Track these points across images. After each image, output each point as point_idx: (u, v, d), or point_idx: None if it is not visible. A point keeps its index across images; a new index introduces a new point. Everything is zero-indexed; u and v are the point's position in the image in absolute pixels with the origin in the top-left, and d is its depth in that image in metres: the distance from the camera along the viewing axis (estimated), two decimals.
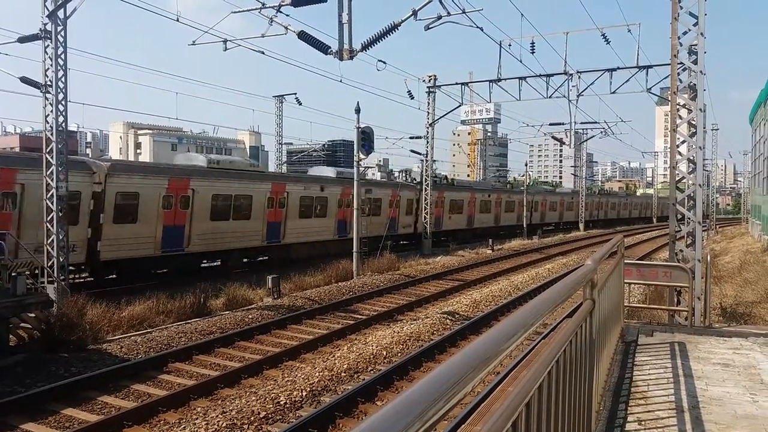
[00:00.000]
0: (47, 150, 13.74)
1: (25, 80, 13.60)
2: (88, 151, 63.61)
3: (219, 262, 23.55)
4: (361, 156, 22.30)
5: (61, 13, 13.41)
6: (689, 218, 9.76)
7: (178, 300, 14.86)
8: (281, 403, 8.55)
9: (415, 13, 16.95)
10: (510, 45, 25.22)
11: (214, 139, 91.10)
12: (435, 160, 33.92)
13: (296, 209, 25.43)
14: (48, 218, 13.77)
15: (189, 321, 13.97)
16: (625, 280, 7.67)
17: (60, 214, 13.70)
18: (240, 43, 18.37)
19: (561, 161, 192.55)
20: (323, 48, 15.82)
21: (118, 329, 12.88)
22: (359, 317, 14.85)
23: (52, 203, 13.69)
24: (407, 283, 20.37)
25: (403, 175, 38.73)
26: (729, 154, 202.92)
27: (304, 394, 8.97)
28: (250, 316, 14.44)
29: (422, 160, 34.59)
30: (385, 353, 11.33)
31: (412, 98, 30.65)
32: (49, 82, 13.57)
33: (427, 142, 32.90)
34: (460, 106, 32.80)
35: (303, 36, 15.73)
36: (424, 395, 1.14)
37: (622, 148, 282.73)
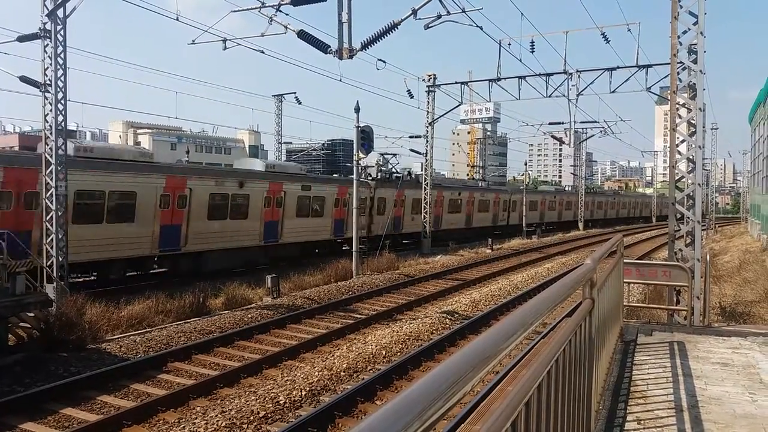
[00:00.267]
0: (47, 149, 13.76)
1: (24, 79, 13.59)
2: None
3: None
4: (361, 155, 22.30)
5: (60, 13, 13.41)
6: (688, 217, 9.77)
7: (177, 299, 14.86)
8: (281, 402, 8.55)
9: (414, 12, 16.95)
10: (510, 44, 25.26)
11: (213, 139, 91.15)
12: (429, 159, 33.52)
13: (204, 209, 21.07)
14: (48, 218, 13.78)
15: (188, 320, 13.96)
16: (625, 280, 7.66)
17: (59, 214, 13.70)
18: (239, 42, 18.38)
19: (560, 160, 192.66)
20: (323, 47, 15.82)
21: (118, 329, 12.87)
22: (358, 317, 14.85)
23: (51, 203, 13.69)
24: (406, 282, 20.37)
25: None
26: (728, 153, 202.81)
27: (303, 393, 8.97)
28: (249, 316, 14.44)
29: (382, 155, 33.76)
30: (384, 353, 11.33)
31: (412, 97, 30.70)
32: (48, 82, 13.56)
33: (427, 142, 32.90)
34: (459, 105, 32.85)
35: (302, 35, 15.74)
36: (423, 394, 1.14)
37: (621, 147, 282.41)
